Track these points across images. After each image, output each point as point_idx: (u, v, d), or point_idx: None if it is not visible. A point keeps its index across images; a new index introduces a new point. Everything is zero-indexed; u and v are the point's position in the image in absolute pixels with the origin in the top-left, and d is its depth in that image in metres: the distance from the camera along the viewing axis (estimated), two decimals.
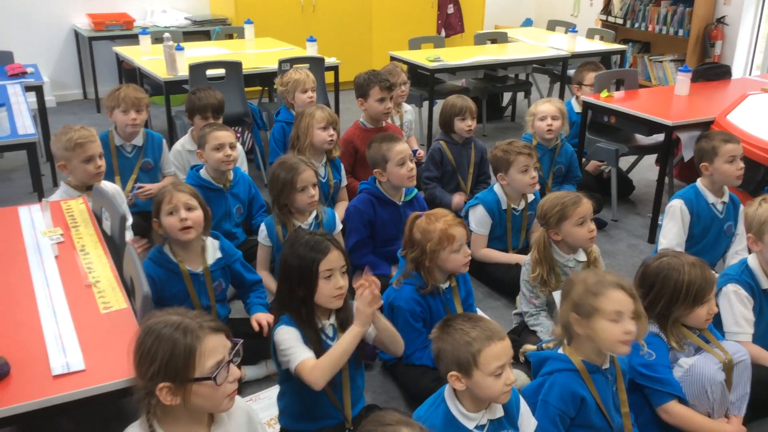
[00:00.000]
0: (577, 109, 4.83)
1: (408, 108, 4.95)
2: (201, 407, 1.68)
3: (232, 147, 3.50)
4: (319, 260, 2.22)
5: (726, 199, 3.44)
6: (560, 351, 2.22)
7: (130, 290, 2.27)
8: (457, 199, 4.09)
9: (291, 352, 2.20)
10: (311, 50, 5.58)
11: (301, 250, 2.25)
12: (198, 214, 2.69)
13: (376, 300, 2.18)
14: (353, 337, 2.19)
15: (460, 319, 2.01)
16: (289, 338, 2.22)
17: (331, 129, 3.76)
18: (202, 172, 3.54)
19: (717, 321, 2.65)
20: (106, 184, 3.34)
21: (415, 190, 3.51)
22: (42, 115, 4.82)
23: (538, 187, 3.59)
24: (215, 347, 1.65)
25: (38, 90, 4.78)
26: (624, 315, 2.08)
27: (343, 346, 2.18)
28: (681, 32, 7.38)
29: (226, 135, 3.48)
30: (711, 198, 3.40)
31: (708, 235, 3.41)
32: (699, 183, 3.45)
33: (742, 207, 3.48)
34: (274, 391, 2.51)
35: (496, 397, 1.97)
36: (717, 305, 2.48)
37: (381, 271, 3.31)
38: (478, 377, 1.92)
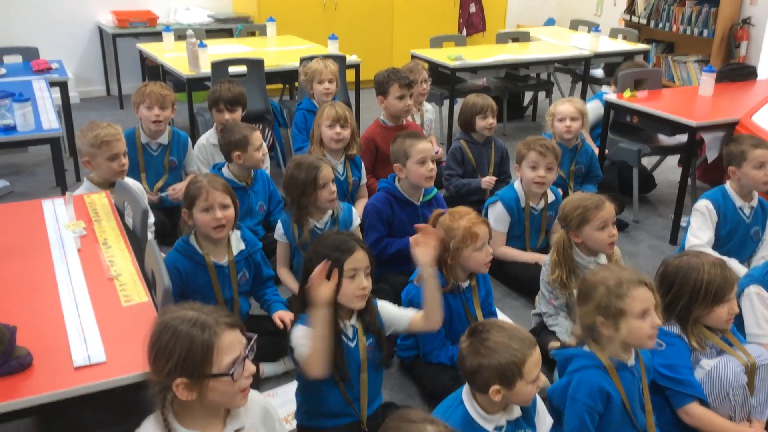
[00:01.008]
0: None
1: (428, 107, 4.94)
2: (216, 403, 1.68)
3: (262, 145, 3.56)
4: (344, 259, 2.21)
5: (755, 204, 3.39)
6: (586, 348, 2.21)
7: (151, 284, 2.28)
8: (486, 179, 4.09)
9: (300, 353, 2.21)
10: (332, 48, 5.59)
11: (326, 250, 2.24)
12: (231, 212, 2.71)
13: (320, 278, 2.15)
14: (320, 320, 2.13)
15: (492, 330, 1.95)
16: (303, 343, 2.21)
17: (338, 127, 3.74)
18: (225, 171, 3.56)
19: (739, 323, 2.62)
20: (130, 181, 3.37)
21: (435, 190, 3.50)
22: (66, 110, 4.87)
23: (544, 187, 3.55)
24: (232, 343, 1.65)
25: (63, 86, 4.83)
26: (650, 310, 2.09)
27: (318, 330, 2.13)
28: (706, 33, 7.29)
29: (259, 136, 3.55)
30: (738, 201, 3.36)
31: (734, 239, 3.37)
32: (728, 185, 3.41)
33: None
34: (292, 387, 2.52)
35: (528, 400, 1.98)
36: (739, 306, 2.44)
37: (401, 269, 3.30)
38: (520, 386, 1.91)
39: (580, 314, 2.21)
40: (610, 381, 2.14)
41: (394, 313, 2.43)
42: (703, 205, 3.35)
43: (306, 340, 2.19)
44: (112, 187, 3.20)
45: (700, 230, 3.33)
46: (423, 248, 2.31)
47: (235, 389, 1.66)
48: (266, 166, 4.00)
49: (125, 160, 3.27)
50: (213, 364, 1.61)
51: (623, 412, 2.16)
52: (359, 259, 2.24)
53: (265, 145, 4.12)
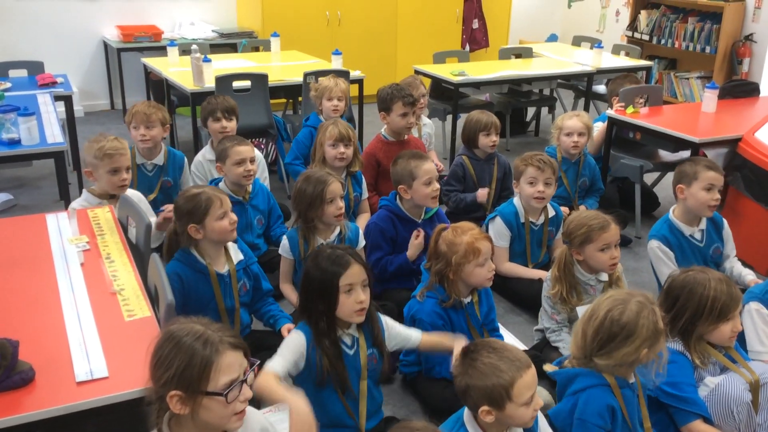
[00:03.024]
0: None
1: (427, 121, 4.96)
2: (207, 422, 1.65)
3: (252, 161, 3.54)
4: (339, 274, 2.23)
5: (703, 226, 3.35)
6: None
7: (154, 298, 2.28)
8: (481, 192, 4.09)
9: (275, 357, 2.23)
10: (336, 63, 5.61)
11: (323, 264, 2.26)
12: (234, 214, 2.75)
13: None
14: (279, 397, 2.08)
15: (483, 351, 1.93)
16: (286, 344, 2.26)
17: (341, 146, 3.75)
18: (221, 186, 3.57)
19: (741, 339, 2.61)
20: (131, 192, 3.38)
21: (437, 207, 3.50)
22: (70, 124, 4.89)
23: (543, 202, 3.55)
24: (231, 364, 1.63)
25: (67, 100, 4.86)
26: (648, 353, 2.09)
27: (266, 389, 2.10)
28: (708, 49, 7.32)
29: (246, 150, 3.50)
30: (687, 230, 3.32)
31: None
32: (671, 215, 3.37)
33: (725, 222, 3.42)
34: None
35: (525, 423, 1.95)
36: (741, 323, 2.44)
37: (403, 285, 3.30)
38: (511, 409, 1.87)
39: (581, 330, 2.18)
40: (614, 398, 2.13)
41: (399, 330, 2.47)
42: (655, 247, 3.30)
43: (288, 350, 2.26)
44: (111, 199, 3.21)
45: (667, 270, 3.19)
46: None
47: (228, 411, 1.63)
48: (266, 180, 4.01)
49: (127, 175, 3.26)
50: (210, 382, 1.60)
51: (625, 429, 2.14)
52: (355, 273, 2.25)
53: (262, 157, 4.15)
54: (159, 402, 1.64)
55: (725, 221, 3.44)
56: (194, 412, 1.61)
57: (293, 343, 2.26)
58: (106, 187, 3.24)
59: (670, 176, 5.08)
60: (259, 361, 1.73)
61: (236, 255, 2.84)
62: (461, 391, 1.94)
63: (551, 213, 3.64)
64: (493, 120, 4.16)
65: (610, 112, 4.58)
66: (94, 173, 3.23)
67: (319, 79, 4.50)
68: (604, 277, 2.96)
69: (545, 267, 3.59)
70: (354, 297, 2.23)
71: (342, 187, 3.17)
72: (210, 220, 2.67)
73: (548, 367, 2.41)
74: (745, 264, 3.49)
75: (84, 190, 3.31)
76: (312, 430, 2.00)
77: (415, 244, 3.29)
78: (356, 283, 2.24)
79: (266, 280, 3.01)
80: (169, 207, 3.80)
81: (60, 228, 2.76)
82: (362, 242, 3.33)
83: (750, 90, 5.23)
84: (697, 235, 3.35)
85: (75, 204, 3.24)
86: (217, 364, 1.60)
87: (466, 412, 2.02)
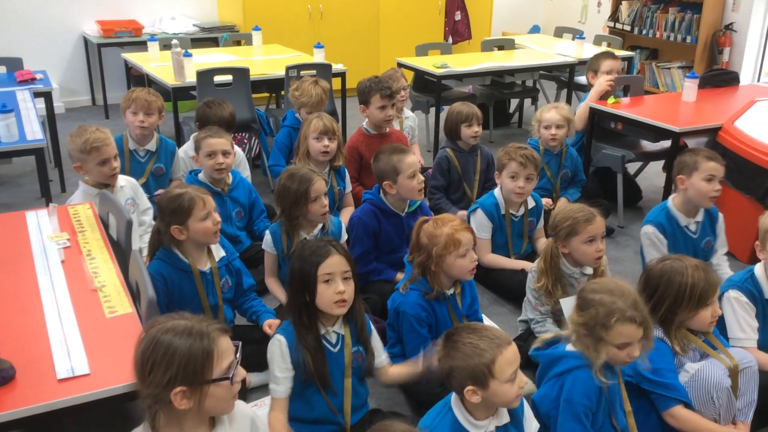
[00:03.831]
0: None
1: (409, 114, 4.95)
2: (212, 409, 1.69)
3: (225, 155, 3.50)
4: (318, 263, 2.23)
5: (700, 218, 3.36)
6: (570, 347, 2.22)
7: (135, 295, 2.27)
8: (461, 213, 4.09)
9: (271, 378, 2.29)
10: (318, 57, 5.59)
11: (304, 254, 2.27)
12: (217, 215, 2.74)
13: None
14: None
15: (463, 332, 1.98)
16: (272, 358, 2.29)
17: (326, 140, 3.73)
18: (200, 176, 3.57)
19: (722, 328, 2.64)
20: (123, 179, 3.40)
21: (420, 201, 3.50)
22: (51, 121, 4.85)
23: (523, 197, 3.56)
24: (227, 348, 1.68)
25: (47, 96, 4.81)
26: (631, 345, 2.11)
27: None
28: (689, 39, 7.37)
29: (219, 142, 3.48)
30: (683, 220, 3.33)
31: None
32: (670, 203, 3.36)
33: (721, 217, 3.44)
34: None
35: (510, 401, 1.97)
36: (721, 309, 2.47)
37: (386, 277, 3.31)
38: (495, 386, 1.91)
39: (575, 318, 2.20)
40: (599, 380, 2.15)
41: (377, 344, 2.49)
42: (650, 232, 3.30)
43: (276, 365, 2.27)
44: (108, 187, 3.23)
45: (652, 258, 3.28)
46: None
47: (231, 393, 1.69)
48: (247, 174, 4.00)
49: (116, 164, 3.27)
50: (214, 370, 1.64)
51: (605, 412, 2.17)
52: (335, 263, 2.24)
53: (242, 152, 4.13)
54: (156, 404, 1.64)
55: (721, 216, 3.43)
56: (200, 403, 1.64)
57: (277, 354, 2.27)
58: (98, 178, 3.25)
59: (652, 166, 5.17)
60: (240, 342, 1.75)
61: (218, 252, 2.84)
62: (445, 374, 1.98)
63: (531, 204, 3.66)
64: (474, 111, 4.16)
65: (591, 104, 4.60)
66: (84, 167, 3.22)
67: (302, 86, 4.40)
68: (589, 270, 2.98)
69: (527, 258, 3.61)
70: (333, 287, 2.23)
71: (326, 185, 3.16)
72: (193, 221, 2.66)
73: (540, 341, 2.44)
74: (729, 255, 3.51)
75: (80, 183, 3.30)
76: None
77: None
78: (336, 273, 2.24)
79: (248, 275, 3.00)
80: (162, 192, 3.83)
81: (40, 225, 2.74)
82: (344, 236, 3.32)
83: (730, 79, 5.27)
84: (693, 227, 3.35)
85: (75, 198, 3.24)
86: (216, 352, 1.64)
87: (453, 396, 2.04)
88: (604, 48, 6.78)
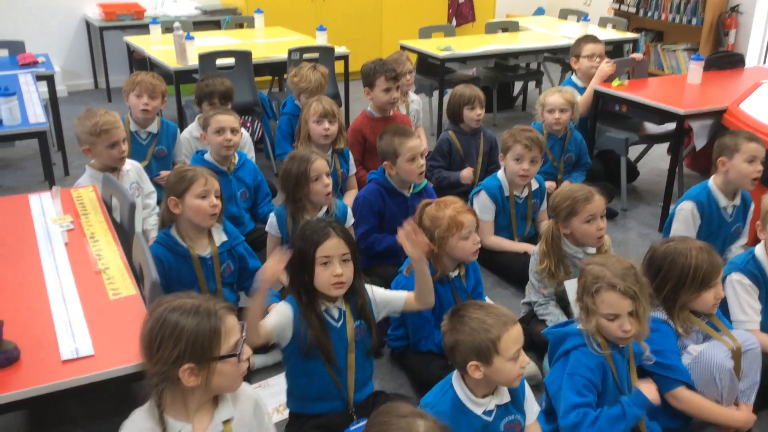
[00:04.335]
0: (580, 84, 4.79)
1: (414, 98, 4.93)
2: (219, 386, 1.71)
3: (234, 132, 3.51)
4: (317, 245, 2.23)
5: (737, 202, 3.34)
6: (579, 326, 2.22)
7: (138, 277, 2.28)
8: (465, 172, 4.08)
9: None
10: (321, 39, 5.56)
11: (305, 233, 2.28)
12: (219, 201, 2.73)
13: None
14: (254, 305, 2.13)
15: (470, 308, 1.99)
16: (275, 309, 2.27)
17: (326, 123, 3.72)
18: (206, 156, 3.57)
19: (724, 309, 2.64)
20: (128, 163, 3.40)
21: (425, 181, 3.50)
22: (53, 104, 4.84)
23: (527, 179, 3.55)
24: (233, 326, 1.70)
25: (49, 79, 4.81)
26: (620, 317, 2.11)
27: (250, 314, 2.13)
28: (694, 21, 7.31)
29: (227, 119, 3.50)
30: (723, 201, 3.30)
31: (714, 239, 3.31)
32: (711, 183, 3.32)
33: (753, 206, 3.42)
34: (283, 378, 2.52)
35: (511, 380, 1.98)
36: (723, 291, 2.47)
37: (387, 244, 3.31)
38: (498, 363, 1.92)
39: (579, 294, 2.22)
40: (605, 357, 2.15)
41: (388, 296, 2.45)
42: (688, 209, 3.27)
43: (274, 314, 2.25)
44: (114, 171, 3.23)
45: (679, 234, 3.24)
46: (411, 245, 2.31)
47: (238, 371, 1.71)
48: (252, 156, 3.99)
49: (125, 146, 3.28)
50: (222, 347, 1.66)
51: (614, 392, 2.17)
52: (333, 246, 2.23)
53: (248, 134, 4.13)
54: (163, 382, 1.66)
55: (753, 205, 3.40)
56: (208, 380, 1.66)
57: (280, 310, 2.28)
58: (106, 161, 3.24)
59: (656, 149, 5.15)
60: (245, 323, 1.77)
61: (219, 236, 2.83)
62: (449, 348, 1.99)
63: (534, 186, 3.65)
64: (476, 93, 4.15)
65: (596, 87, 4.57)
66: (92, 150, 3.21)
67: (300, 72, 4.37)
68: (592, 250, 2.97)
69: (531, 240, 3.61)
70: (331, 270, 2.22)
71: (327, 164, 3.16)
72: (189, 196, 2.66)
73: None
74: None
75: (87, 167, 3.30)
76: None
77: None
78: (334, 256, 2.23)
79: (254, 257, 3.00)
80: (165, 173, 3.84)
81: (43, 208, 2.75)
82: (350, 220, 3.32)
83: (735, 61, 5.23)
84: (729, 210, 3.32)
85: (81, 181, 3.24)
86: (223, 329, 1.66)
87: (454, 374, 2.05)
88: (609, 30, 6.75)
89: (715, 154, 3.32)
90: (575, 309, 2.28)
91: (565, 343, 2.22)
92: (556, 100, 4.14)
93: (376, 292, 2.43)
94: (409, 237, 2.30)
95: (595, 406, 2.14)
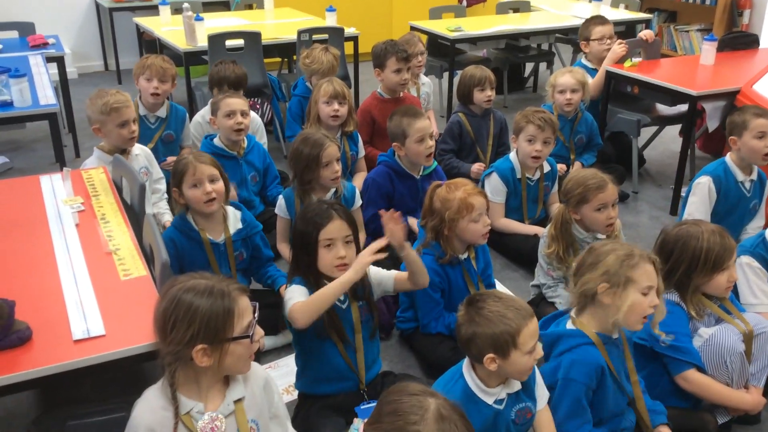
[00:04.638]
0: (591, 66, 4.75)
1: (425, 80, 4.90)
2: (230, 367, 1.72)
3: (244, 115, 3.51)
4: (320, 228, 2.23)
5: (754, 176, 3.34)
6: (570, 326, 2.19)
7: (149, 258, 2.29)
8: (476, 167, 4.05)
9: (289, 301, 2.22)
10: (330, 20, 5.53)
11: (307, 216, 2.27)
12: (220, 185, 2.72)
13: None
14: (341, 283, 2.16)
15: (489, 300, 1.95)
16: (294, 295, 2.23)
17: (335, 104, 3.71)
18: (216, 141, 3.57)
19: (735, 292, 2.62)
20: (138, 147, 3.40)
21: (435, 164, 3.48)
22: (63, 86, 4.84)
23: (540, 161, 3.53)
24: (246, 308, 1.71)
25: (59, 61, 4.81)
26: (653, 289, 2.08)
27: (329, 288, 2.16)
28: (708, 1, 7.21)
29: (237, 102, 3.49)
30: (740, 176, 3.30)
31: (733, 214, 3.34)
32: (728, 158, 3.34)
33: None
34: (292, 359, 2.54)
35: (524, 373, 1.96)
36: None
37: None
38: (515, 357, 1.89)
39: (582, 281, 2.14)
40: (600, 356, 2.13)
41: (380, 275, 2.44)
42: (705, 183, 3.27)
43: (300, 294, 2.22)
44: (123, 154, 3.23)
45: (696, 210, 3.26)
46: (390, 233, 2.27)
47: (250, 352, 1.72)
48: (264, 140, 3.99)
49: (135, 127, 3.27)
50: (235, 328, 1.66)
51: (615, 384, 2.16)
52: (335, 228, 2.23)
53: (259, 117, 4.12)
54: (176, 361, 1.67)
55: None
56: (220, 361, 1.67)
57: (299, 290, 2.26)
58: (116, 141, 3.24)
59: (668, 131, 5.10)
60: (258, 304, 1.77)
61: (235, 224, 2.84)
62: (466, 340, 1.95)
63: (546, 168, 3.63)
64: (486, 74, 4.12)
65: (608, 67, 4.53)
66: (102, 129, 3.22)
67: (312, 53, 4.35)
68: (602, 235, 2.96)
69: (541, 223, 3.60)
70: (334, 252, 2.23)
71: (338, 150, 3.15)
72: (185, 186, 2.69)
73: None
74: None
75: (95, 149, 3.31)
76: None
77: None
78: (337, 238, 2.24)
79: (268, 247, 3.00)
80: (172, 159, 3.85)
81: (54, 189, 2.76)
82: (358, 202, 3.32)
83: (749, 42, 5.16)
84: (747, 185, 3.33)
85: (88, 162, 3.25)
86: (237, 310, 1.67)
87: (465, 363, 2.04)
88: (621, 10, 6.68)
89: (727, 133, 3.33)
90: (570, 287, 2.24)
91: (560, 344, 2.17)
92: (568, 81, 4.10)
93: (370, 271, 2.42)
94: (387, 225, 2.26)
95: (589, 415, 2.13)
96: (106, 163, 3.15)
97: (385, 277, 2.44)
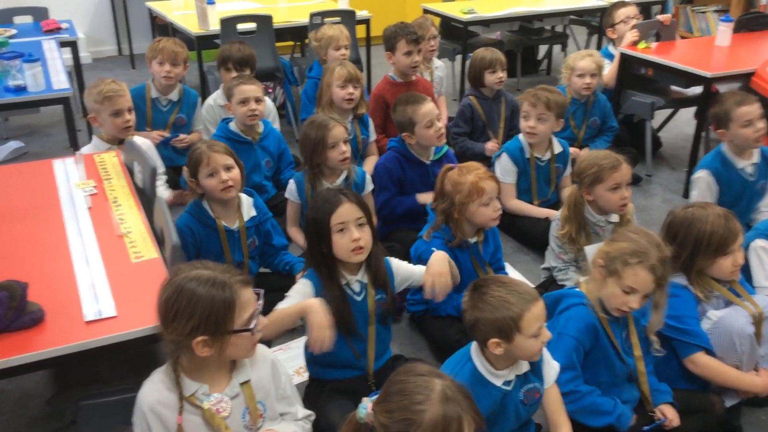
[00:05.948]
0: (615, 53, 4.70)
1: (439, 64, 4.87)
2: (233, 356, 1.74)
3: (258, 101, 3.51)
4: (331, 212, 2.21)
5: (756, 159, 3.29)
6: (576, 288, 2.23)
7: (160, 241, 2.31)
8: (490, 145, 4.04)
9: (285, 299, 2.24)
10: (342, 3, 5.52)
11: (317, 204, 2.27)
12: (236, 172, 2.74)
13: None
14: (295, 313, 2.16)
15: (492, 285, 1.95)
16: (293, 294, 2.25)
17: (350, 87, 3.70)
18: (232, 125, 3.58)
19: (747, 275, 2.61)
20: (140, 140, 3.40)
21: (446, 147, 3.48)
22: (77, 70, 4.87)
23: (535, 138, 3.49)
24: (249, 300, 1.71)
25: (73, 46, 4.83)
26: (638, 293, 2.10)
27: (285, 314, 2.16)
28: None
29: (251, 89, 3.49)
30: (739, 163, 3.26)
31: (741, 201, 3.30)
32: (724, 148, 3.29)
33: None
34: (303, 341, 2.55)
35: (533, 355, 1.97)
36: (746, 259, 2.43)
37: (408, 204, 3.33)
38: (520, 340, 1.90)
39: (599, 251, 2.22)
40: (595, 317, 2.16)
41: (410, 270, 2.44)
42: (703, 177, 3.24)
43: (298, 296, 2.23)
44: (121, 144, 3.23)
45: None
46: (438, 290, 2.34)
47: (252, 342, 1.73)
48: (276, 125, 4.00)
49: (130, 116, 3.29)
50: (235, 321, 1.67)
51: (613, 351, 2.17)
52: (346, 212, 2.21)
53: (272, 103, 4.13)
54: (178, 350, 1.69)
55: None
56: (221, 351, 1.68)
57: (300, 290, 2.27)
58: (111, 130, 3.27)
59: (682, 113, 5.05)
60: (263, 290, 1.78)
61: (249, 211, 2.86)
62: (470, 325, 1.96)
63: (558, 149, 3.60)
64: (497, 56, 4.09)
65: (621, 49, 4.49)
66: (98, 118, 3.27)
67: (321, 28, 4.39)
68: (615, 218, 2.95)
69: (553, 206, 3.59)
70: (348, 236, 2.21)
71: (346, 131, 3.14)
72: (201, 176, 2.71)
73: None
74: None
75: (93, 136, 3.36)
76: (328, 329, 2.10)
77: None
78: (349, 221, 2.21)
79: (280, 234, 3.02)
80: (184, 136, 3.87)
81: (67, 173, 2.78)
82: (369, 187, 3.32)
83: (766, 23, 5.09)
84: (749, 169, 3.29)
85: (84, 150, 3.28)
86: (238, 303, 1.67)
87: (473, 346, 2.04)
88: None
89: (714, 126, 3.28)
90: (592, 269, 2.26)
91: (560, 304, 2.22)
92: (588, 65, 4.05)
93: (398, 266, 2.42)
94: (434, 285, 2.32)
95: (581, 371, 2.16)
96: (101, 151, 3.16)
97: (416, 273, 2.43)
